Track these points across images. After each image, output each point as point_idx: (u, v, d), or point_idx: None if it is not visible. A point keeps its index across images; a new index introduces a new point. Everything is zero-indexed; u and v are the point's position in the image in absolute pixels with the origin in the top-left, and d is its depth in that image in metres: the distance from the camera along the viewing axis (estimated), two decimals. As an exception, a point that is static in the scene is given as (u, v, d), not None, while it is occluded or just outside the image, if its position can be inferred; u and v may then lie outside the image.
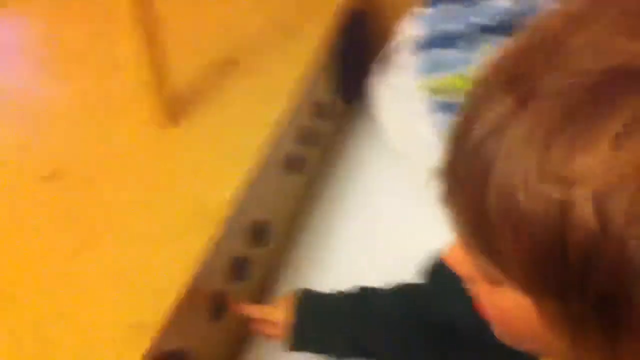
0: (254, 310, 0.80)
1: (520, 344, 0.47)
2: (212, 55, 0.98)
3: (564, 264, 0.35)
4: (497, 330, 0.47)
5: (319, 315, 0.75)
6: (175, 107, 0.88)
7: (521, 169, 0.35)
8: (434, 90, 0.96)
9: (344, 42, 1.07)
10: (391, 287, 0.75)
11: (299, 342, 0.76)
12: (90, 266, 0.71)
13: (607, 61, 0.34)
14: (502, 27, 1.11)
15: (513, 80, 0.37)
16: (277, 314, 0.77)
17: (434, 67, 0.97)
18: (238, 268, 0.82)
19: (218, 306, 0.78)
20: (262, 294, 0.89)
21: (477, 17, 1.07)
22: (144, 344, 0.63)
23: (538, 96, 0.35)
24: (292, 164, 0.95)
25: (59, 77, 1.00)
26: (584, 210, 0.33)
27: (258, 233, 0.85)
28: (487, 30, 1.07)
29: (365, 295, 0.75)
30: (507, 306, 0.42)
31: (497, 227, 0.37)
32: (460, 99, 0.41)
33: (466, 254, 0.43)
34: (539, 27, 0.39)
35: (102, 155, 0.85)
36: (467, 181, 0.38)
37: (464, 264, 0.45)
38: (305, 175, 1.00)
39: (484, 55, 0.40)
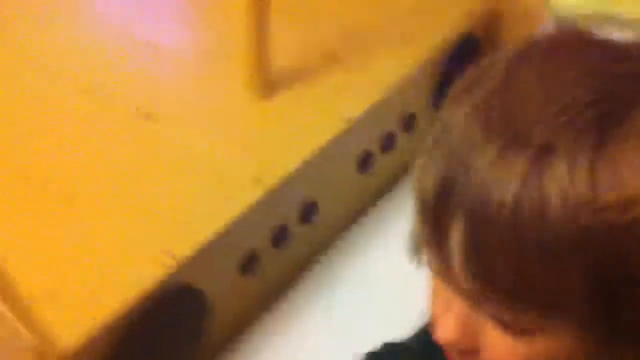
0: None
1: None
2: (317, 45, 1.06)
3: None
4: None
5: None
6: (271, 83, 0.98)
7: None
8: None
9: (450, 62, 1.12)
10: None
11: None
12: (154, 190, 0.83)
13: None
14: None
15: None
16: None
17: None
18: (278, 236, 0.91)
19: (249, 262, 0.88)
20: (296, 268, 0.98)
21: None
22: (170, 267, 0.75)
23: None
24: (363, 163, 1.02)
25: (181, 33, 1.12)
26: None
27: (306, 211, 0.94)
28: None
29: None
30: (538, 352, 0.42)
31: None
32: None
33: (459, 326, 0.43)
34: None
35: (198, 107, 0.97)
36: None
37: (465, 336, 0.44)
38: (373, 176, 1.06)
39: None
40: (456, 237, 0.39)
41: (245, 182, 0.86)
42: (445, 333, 0.44)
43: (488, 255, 0.38)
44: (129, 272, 0.75)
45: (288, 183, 0.88)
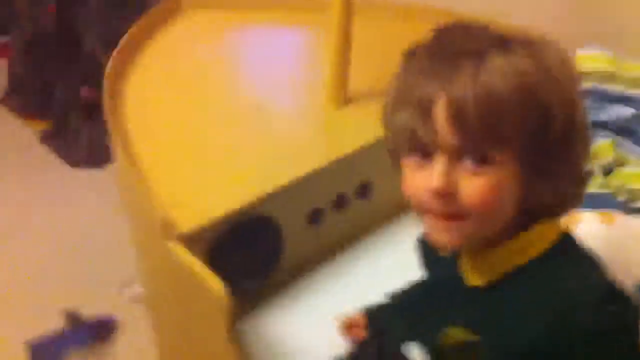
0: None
1: (490, 224, 0.74)
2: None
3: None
4: (479, 216, 0.73)
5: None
6: (348, 97, 1.35)
7: None
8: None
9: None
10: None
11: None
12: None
13: None
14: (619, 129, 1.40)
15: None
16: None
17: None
18: (339, 202, 1.25)
19: (315, 215, 1.22)
20: (353, 232, 1.30)
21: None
22: (260, 199, 1.10)
23: None
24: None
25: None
26: None
27: (363, 188, 1.28)
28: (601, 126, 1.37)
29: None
30: (497, 179, 0.71)
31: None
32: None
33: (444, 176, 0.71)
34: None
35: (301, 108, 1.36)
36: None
37: (447, 187, 0.71)
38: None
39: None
40: (441, 112, 0.70)
41: (319, 156, 1.21)
42: (435, 182, 0.72)
43: (464, 116, 0.69)
44: (231, 193, 1.12)
45: (348, 161, 1.22)
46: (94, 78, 2.50)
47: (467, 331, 0.78)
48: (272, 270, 1.18)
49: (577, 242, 0.79)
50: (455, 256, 0.84)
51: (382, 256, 1.27)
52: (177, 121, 1.33)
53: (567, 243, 0.78)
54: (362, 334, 1.03)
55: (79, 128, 2.57)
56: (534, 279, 0.75)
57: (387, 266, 1.23)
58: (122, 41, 1.44)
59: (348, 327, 1.05)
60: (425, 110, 0.72)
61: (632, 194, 1.26)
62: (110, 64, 1.37)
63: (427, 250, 0.92)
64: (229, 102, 1.40)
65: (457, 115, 0.70)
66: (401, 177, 0.79)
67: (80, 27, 2.54)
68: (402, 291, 1.03)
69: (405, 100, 0.75)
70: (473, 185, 0.71)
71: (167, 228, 1.02)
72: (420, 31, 0.77)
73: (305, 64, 1.55)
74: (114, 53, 1.41)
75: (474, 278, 0.80)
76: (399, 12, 1.63)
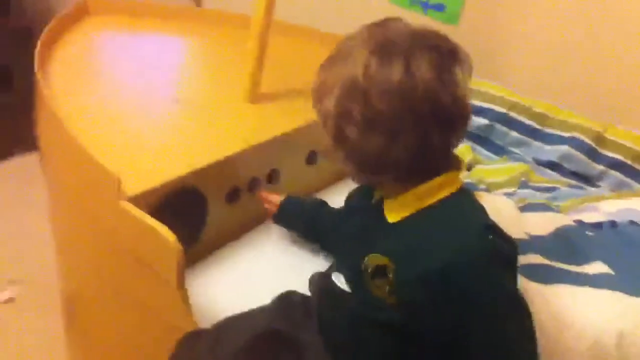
0: (268, 195, 1.41)
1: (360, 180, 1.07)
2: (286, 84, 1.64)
3: None
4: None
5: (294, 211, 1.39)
6: (259, 95, 1.54)
7: None
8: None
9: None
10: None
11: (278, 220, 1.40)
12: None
13: None
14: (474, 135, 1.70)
15: None
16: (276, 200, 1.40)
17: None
18: (250, 186, 1.42)
19: (234, 194, 1.38)
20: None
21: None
22: (194, 174, 1.25)
23: None
24: (309, 158, 1.56)
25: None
26: None
27: (272, 175, 1.46)
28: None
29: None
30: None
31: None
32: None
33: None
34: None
35: (216, 102, 1.52)
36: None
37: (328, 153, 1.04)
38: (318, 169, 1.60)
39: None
40: None
41: (237, 142, 1.38)
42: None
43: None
44: (166, 167, 1.25)
45: (256, 150, 1.40)
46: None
47: (384, 257, 1.00)
48: (199, 236, 1.32)
49: (472, 196, 1.04)
50: (379, 202, 1.08)
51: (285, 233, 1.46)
52: (100, 110, 1.44)
53: (463, 193, 1.04)
54: (273, 210, 1.40)
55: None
56: (437, 215, 1.00)
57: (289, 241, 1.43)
58: (41, 38, 1.52)
59: (265, 199, 1.41)
60: None
61: (489, 185, 1.55)
62: (35, 56, 1.44)
63: (359, 198, 1.15)
64: (149, 96, 1.53)
65: None
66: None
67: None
68: (318, 206, 1.36)
69: None
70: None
71: (121, 190, 1.14)
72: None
73: (213, 68, 1.71)
74: (37, 46, 1.48)
75: (391, 216, 1.04)
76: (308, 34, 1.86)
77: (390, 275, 0.97)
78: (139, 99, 1.51)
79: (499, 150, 1.68)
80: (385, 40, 0.96)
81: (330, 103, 0.98)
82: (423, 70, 0.93)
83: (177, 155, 1.32)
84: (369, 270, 1.01)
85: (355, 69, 0.95)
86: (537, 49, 1.78)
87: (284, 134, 1.45)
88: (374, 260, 1.01)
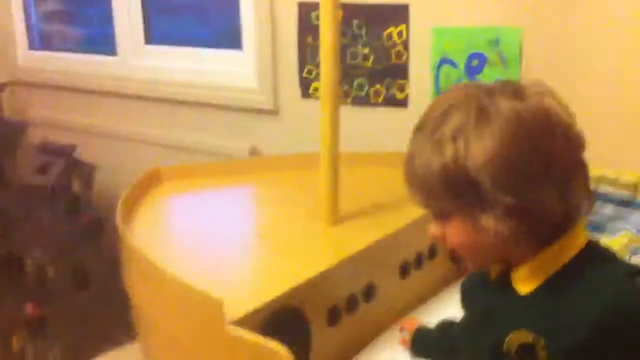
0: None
1: (481, 255, 0.96)
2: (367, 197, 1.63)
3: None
4: (466, 255, 0.97)
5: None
6: (338, 217, 1.53)
7: None
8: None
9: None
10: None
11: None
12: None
13: None
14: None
15: None
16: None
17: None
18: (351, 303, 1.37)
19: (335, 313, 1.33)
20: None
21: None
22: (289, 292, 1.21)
23: None
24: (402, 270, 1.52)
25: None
26: None
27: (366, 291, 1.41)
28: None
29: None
30: (461, 233, 0.93)
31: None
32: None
33: (434, 227, 0.97)
34: None
35: (298, 231, 1.51)
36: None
37: (436, 234, 0.97)
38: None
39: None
40: None
41: (328, 258, 1.36)
42: (431, 230, 0.98)
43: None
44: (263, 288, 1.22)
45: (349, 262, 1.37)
46: (39, 294, 2.54)
47: (529, 333, 0.89)
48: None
49: (601, 247, 0.97)
50: (501, 278, 0.99)
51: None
52: (186, 255, 1.44)
53: (592, 247, 0.95)
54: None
55: (25, 346, 2.51)
56: (576, 274, 0.91)
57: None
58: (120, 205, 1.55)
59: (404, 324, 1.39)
60: None
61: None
62: (117, 214, 1.47)
63: (477, 282, 1.06)
64: (231, 235, 1.55)
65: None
66: None
67: (21, 245, 2.59)
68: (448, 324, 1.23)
69: None
70: (447, 235, 0.96)
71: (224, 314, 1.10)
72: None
73: (287, 204, 1.72)
74: (119, 205, 1.51)
75: (522, 288, 0.94)
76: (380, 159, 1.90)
77: (542, 352, 0.87)
78: (222, 239, 1.51)
79: (595, 229, 1.61)
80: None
81: None
82: None
83: (272, 277, 1.30)
84: (513, 352, 0.91)
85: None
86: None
87: (374, 242, 1.42)
88: (516, 339, 0.90)
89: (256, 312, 1.17)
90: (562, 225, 0.92)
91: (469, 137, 0.87)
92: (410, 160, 0.94)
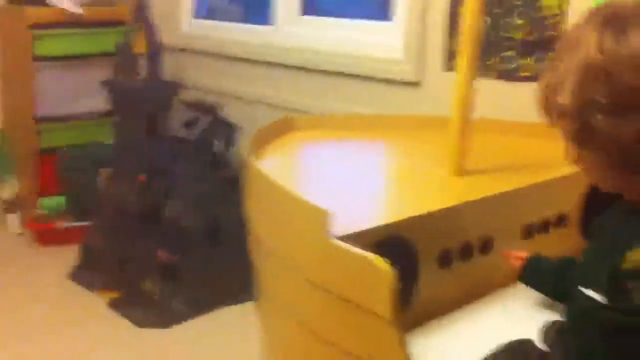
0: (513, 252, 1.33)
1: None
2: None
3: None
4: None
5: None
6: (465, 170, 1.47)
7: None
8: None
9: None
10: None
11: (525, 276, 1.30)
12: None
13: None
14: None
15: None
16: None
17: None
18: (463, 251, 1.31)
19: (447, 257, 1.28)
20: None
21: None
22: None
23: None
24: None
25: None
26: None
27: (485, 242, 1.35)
28: None
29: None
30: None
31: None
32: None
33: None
34: None
35: (424, 175, 1.48)
36: None
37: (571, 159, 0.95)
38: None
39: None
40: None
41: (449, 199, 1.31)
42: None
43: None
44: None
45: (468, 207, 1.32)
46: (173, 242, 2.65)
47: None
48: (411, 296, 1.21)
49: None
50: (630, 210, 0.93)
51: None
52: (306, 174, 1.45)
53: None
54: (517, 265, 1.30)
55: (154, 290, 2.62)
56: None
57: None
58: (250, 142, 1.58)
59: (510, 254, 1.32)
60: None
61: None
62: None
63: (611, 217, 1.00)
64: (362, 175, 1.55)
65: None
66: None
67: (162, 194, 2.71)
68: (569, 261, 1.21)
69: None
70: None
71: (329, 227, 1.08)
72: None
73: (417, 158, 1.69)
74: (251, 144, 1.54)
75: None
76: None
77: None
78: (348, 179, 1.51)
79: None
80: (613, 15, 0.88)
81: (566, 97, 0.88)
82: None
83: (388, 207, 1.31)
84: (631, 270, 0.84)
85: (588, 51, 0.86)
86: None
87: (499, 193, 1.36)
88: (637, 255, 0.83)
89: (364, 232, 1.14)
90: None
91: None
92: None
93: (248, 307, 2.39)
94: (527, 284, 1.30)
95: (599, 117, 0.85)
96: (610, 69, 0.84)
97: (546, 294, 1.27)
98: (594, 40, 0.86)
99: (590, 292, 0.90)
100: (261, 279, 1.41)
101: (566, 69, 0.88)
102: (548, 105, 0.92)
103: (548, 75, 0.92)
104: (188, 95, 3.00)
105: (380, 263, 1.01)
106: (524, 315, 1.27)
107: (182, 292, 2.63)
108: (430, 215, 1.24)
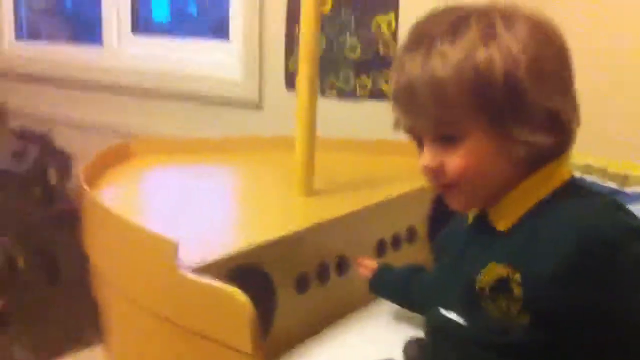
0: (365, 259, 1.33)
1: (482, 185, 0.86)
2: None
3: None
4: (467, 184, 0.85)
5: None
6: (312, 191, 1.46)
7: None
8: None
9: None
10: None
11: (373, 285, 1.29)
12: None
13: None
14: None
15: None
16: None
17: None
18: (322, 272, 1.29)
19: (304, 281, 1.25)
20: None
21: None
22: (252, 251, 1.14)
23: None
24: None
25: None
26: None
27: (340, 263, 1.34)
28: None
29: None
30: (468, 153, 0.83)
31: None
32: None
33: (430, 156, 0.86)
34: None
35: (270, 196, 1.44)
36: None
37: (433, 165, 0.85)
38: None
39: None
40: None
41: (298, 222, 1.28)
42: (425, 161, 0.87)
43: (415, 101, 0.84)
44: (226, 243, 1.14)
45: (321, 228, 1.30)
46: (3, 286, 2.44)
47: (504, 266, 0.82)
48: (271, 322, 1.17)
49: (585, 181, 0.90)
50: (479, 220, 0.92)
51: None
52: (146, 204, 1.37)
53: (576, 181, 0.89)
54: (367, 274, 1.30)
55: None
56: (556, 209, 0.83)
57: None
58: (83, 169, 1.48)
59: (361, 262, 1.32)
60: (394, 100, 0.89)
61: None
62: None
63: (452, 232, 1.00)
64: (205, 198, 1.48)
65: (410, 101, 0.85)
66: None
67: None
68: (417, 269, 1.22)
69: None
70: (451, 162, 0.85)
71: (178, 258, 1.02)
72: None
73: (262, 180, 1.65)
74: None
75: (500, 223, 0.87)
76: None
77: (516, 288, 0.80)
78: (192, 202, 1.45)
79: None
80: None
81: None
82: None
83: (238, 235, 1.25)
84: (487, 288, 0.83)
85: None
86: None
87: (349, 212, 1.35)
88: (491, 273, 0.83)
89: (216, 263, 1.08)
90: (559, 146, 0.86)
91: (502, 41, 0.81)
92: (423, 72, 0.83)
93: (98, 351, 2.24)
94: (377, 294, 1.30)
95: None
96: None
97: (398, 304, 1.27)
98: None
99: (451, 315, 0.89)
100: (107, 319, 1.31)
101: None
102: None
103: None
104: (15, 123, 2.78)
105: (237, 295, 0.96)
106: (384, 333, 1.26)
107: (23, 339, 2.43)
108: (283, 240, 1.20)
